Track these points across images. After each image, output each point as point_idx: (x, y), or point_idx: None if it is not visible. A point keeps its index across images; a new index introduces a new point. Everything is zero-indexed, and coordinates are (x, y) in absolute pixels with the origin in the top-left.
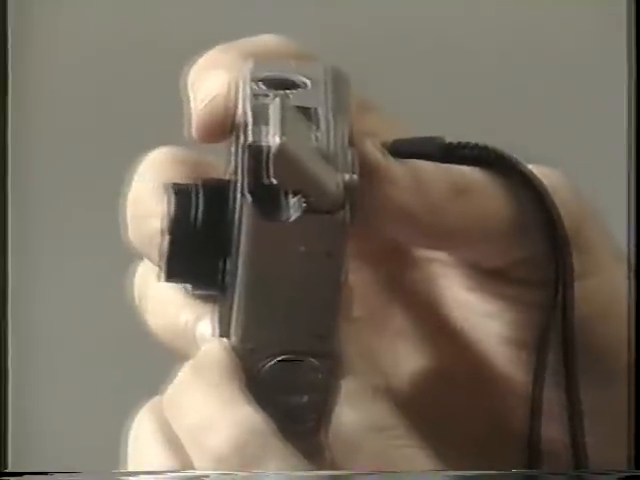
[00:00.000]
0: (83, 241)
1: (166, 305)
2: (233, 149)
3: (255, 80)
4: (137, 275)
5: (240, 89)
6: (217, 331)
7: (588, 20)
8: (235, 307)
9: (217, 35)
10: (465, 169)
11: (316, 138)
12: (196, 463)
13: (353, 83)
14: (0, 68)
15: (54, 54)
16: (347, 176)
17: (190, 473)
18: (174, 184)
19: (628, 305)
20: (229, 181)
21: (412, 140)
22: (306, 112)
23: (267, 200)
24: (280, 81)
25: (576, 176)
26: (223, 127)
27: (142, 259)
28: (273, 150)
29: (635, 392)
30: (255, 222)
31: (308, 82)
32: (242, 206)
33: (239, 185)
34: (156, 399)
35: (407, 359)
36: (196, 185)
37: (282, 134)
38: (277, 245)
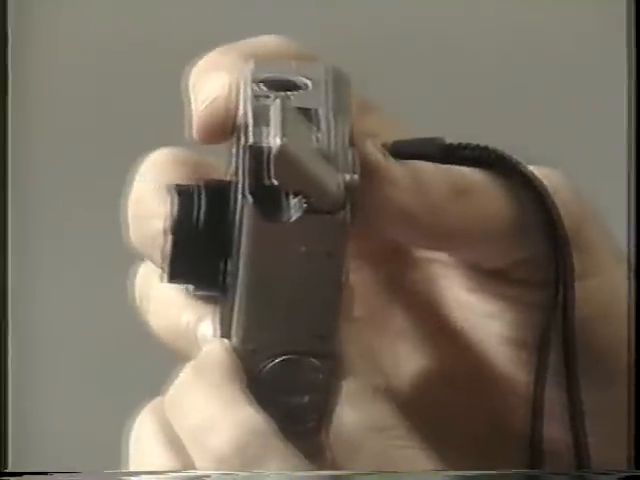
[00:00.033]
0: (83, 241)
1: (167, 306)
2: (234, 150)
3: (256, 81)
4: (138, 276)
5: (241, 90)
6: (218, 332)
7: (588, 20)
8: (236, 308)
9: (218, 36)
10: (465, 170)
11: (317, 139)
12: (197, 463)
13: (353, 83)
14: (0, 68)
15: (54, 54)
16: (348, 176)
17: (191, 473)
18: (177, 185)
19: (628, 305)
20: (230, 182)
21: (412, 141)
22: (307, 113)
23: (268, 201)
24: (281, 82)
25: (576, 176)
26: (224, 128)
27: (143, 260)
28: (274, 151)
29: (635, 392)
30: (256, 223)
31: (309, 83)
32: (243, 207)
33: (240, 186)
34: (157, 400)
35: (407, 359)
36: (198, 186)
37: (283, 135)
38: (278, 245)
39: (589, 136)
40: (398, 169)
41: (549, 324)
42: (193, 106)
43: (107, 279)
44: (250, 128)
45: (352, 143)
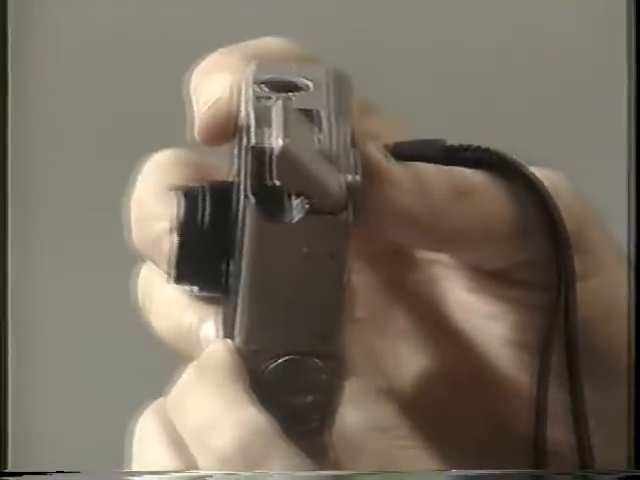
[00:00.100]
0: (83, 241)
1: (170, 307)
2: (236, 151)
3: (257, 83)
4: (141, 277)
5: (243, 92)
6: (221, 332)
7: (588, 20)
8: (239, 308)
9: (219, 37)
10: (467, 171)
11: (318, 140)
12: (200, 463)
13: (354, 84)
14: (0, 68)
15: (54, 54)
16: (350, 177)
17: (193, 473)
18: (182, 187)
19: (628, 305)
20: (233, 183)
21: (414, 142)
22: (308, 114)
23: (270, 202)
24: (282, 83)
25: (576, 176)
26: (226, 130)
27: (145, 261)
28: (276, 152)
29: (635, 392)
30: (258, 223)
31: (310, 84)
32: (245, 208)
33: (242, 187)
34: (160, 400)
35: (409, 360)
36: (203, 188)
37: (285, 136)
38: (280, 246)
39: (589, 136)
40: (399, 171)
41: (551, 326)
42: (195, 107)
43: (107, 279)
44: (252, 129)
45: (353, 144)
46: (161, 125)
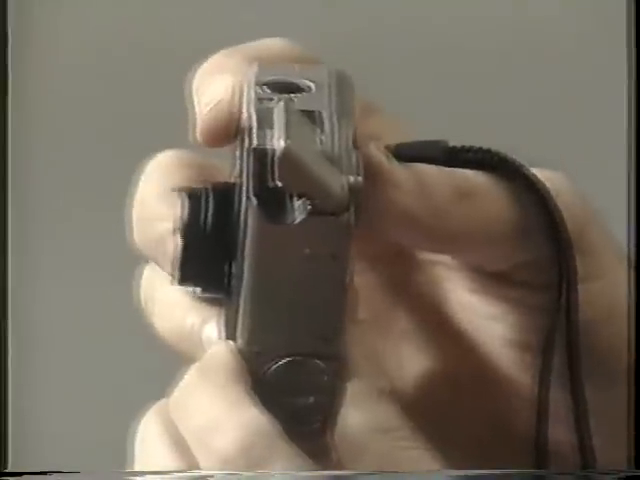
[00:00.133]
0: (83, 241)
1: (172, 308)
2: (238, 153)
3: (259, 84)
4: (143, 278)
5: (244, 93)
6: (223, 334)
7: (588, 20)
8: (241, 310)
9: (221, 39)
10: (468, 173)
11: (320, 141)
12: (202, 465)
13: (356, 85)
14: (0, 68)
15: (54, 54)
16: (352, 178)
17: (194, 473)
18: (186, 189)
19: (628, 305)
20: (235, 184)
21: (415, 143)
22: (310, 115)
23: (272, 203)
24: (284, 85)
25: (576, 176)
26: (228, 131)
27: (147, 261)
28: (278, 153)
29: (635, 392)
30: (260, 225)
31: (312, 85)
32: (247, 209)
33: (244, 188)
34: (162, 402)
35: (411, 361)
36: (206, 189)
37: (287, 137)
38: (282, 247)
39: (589, 136)
40: (401, 172)
41: (552, 326)
42: (197, 109)
43: (107, 279)
44: (254, 130)
45: (355, 145)
46: (161, 125)
